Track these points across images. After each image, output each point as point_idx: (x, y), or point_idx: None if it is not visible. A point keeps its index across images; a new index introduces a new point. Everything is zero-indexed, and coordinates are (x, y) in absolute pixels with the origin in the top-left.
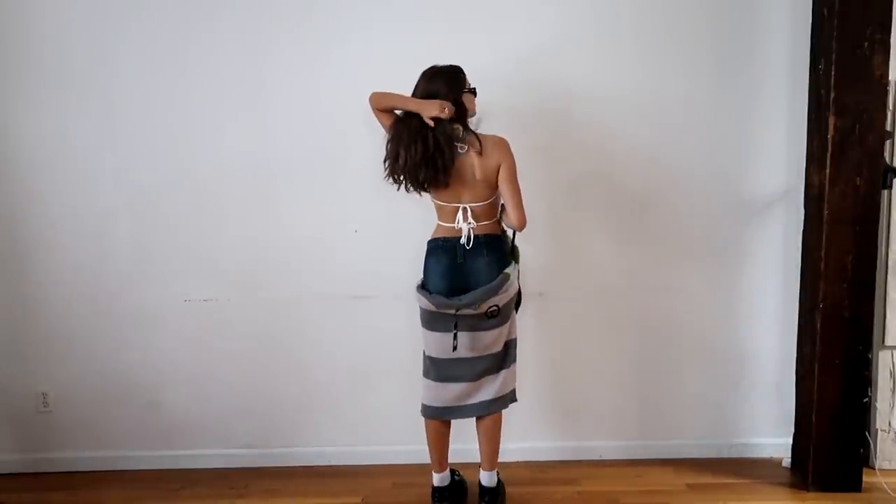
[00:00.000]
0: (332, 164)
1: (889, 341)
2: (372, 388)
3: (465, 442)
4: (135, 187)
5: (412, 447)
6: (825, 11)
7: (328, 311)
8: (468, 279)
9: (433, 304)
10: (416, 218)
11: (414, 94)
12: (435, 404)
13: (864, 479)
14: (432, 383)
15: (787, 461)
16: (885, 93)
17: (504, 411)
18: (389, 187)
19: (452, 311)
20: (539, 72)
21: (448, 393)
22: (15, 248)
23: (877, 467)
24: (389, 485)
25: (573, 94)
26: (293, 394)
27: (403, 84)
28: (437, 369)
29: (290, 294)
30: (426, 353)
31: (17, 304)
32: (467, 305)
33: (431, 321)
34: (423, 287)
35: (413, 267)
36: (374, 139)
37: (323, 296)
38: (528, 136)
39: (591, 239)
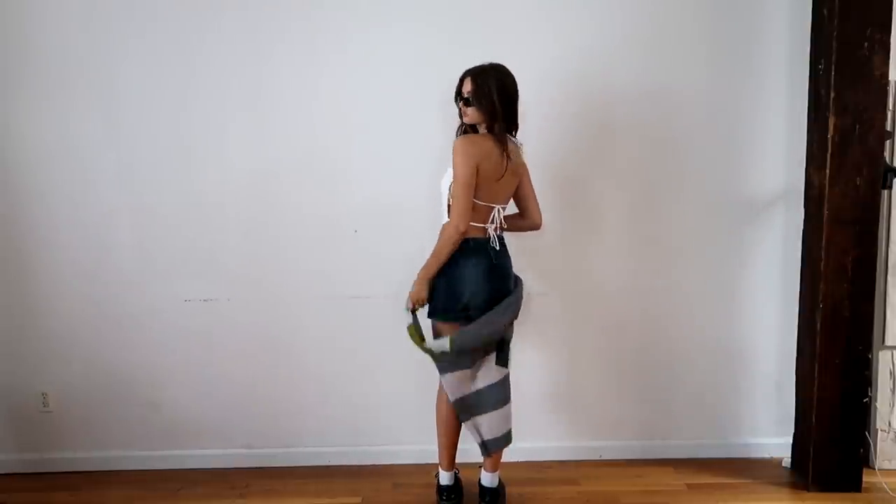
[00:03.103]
0: (332, 165)
1: (889, 341)
2: (372, 388)
3: (465, 442)
4: (136, 187)
5: (412, 447)
6: (825, 12)
7: (328, 311)
8: (503, 280)
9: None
10: (417, 217)
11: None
12: (466, 391)
13: (864, 478)
14: (461, 372)
15: (787, 461)
16: (885, 93)
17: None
18: (389, 188)
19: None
20: (537, 73)
21: (474, 374)
22: (16, 248)
23: (877, 467)
24: (389, 485)
25: (571, 95)
26: (293, 394)
27: (402, 85)
28: (466, 358)
29: (290, 294)
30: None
31: (17, 303)
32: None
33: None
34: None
35: (414, 267)
36: (374, 140)
37: (323, 296)
38: (526, 137)
39: (591, 239)
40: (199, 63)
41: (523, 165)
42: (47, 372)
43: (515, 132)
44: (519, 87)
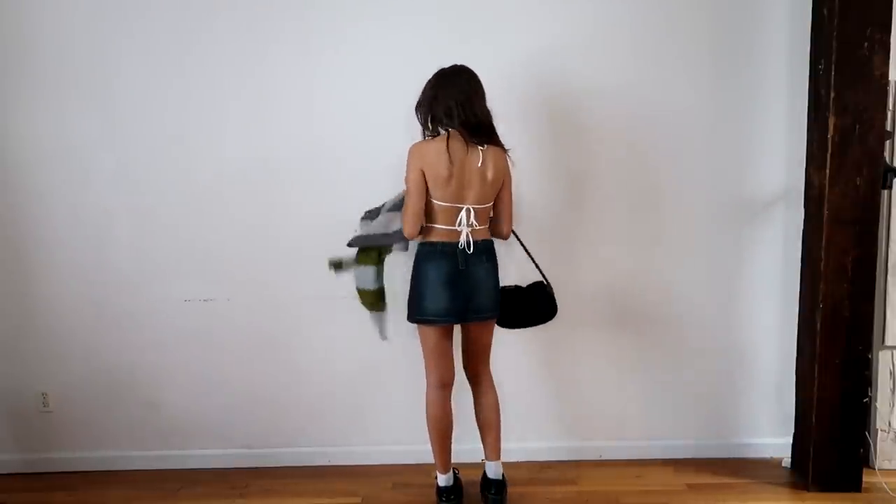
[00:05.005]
0: (331, 164)
1: (889, 341)
2: (371, 388)
3: (465, 442)
4: (134, 187)
5: (412, 447)
6: (825, 11)
7: (328, 310)
8: (470, 288)
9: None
10: None
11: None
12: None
13: (864, 478)
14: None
15: (787, 461)
16: (885, 93)
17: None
18: (389, 188)
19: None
20: (540, 72)
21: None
22: (15, 249)
23: (877, 467)
24: (389, 485)
25: (573, 95)
26: (293, 394)
27: (399, 83)
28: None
29: (289, 294)
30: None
31: (17, 304)
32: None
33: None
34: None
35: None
36: (373, 139)
37: (323, 296)
38: (528, 137)
39: (591, 239)
40: (195, 63)
41: (503, 171)
42: (47, 372)
43: (480, 138)
44: (518, 83)
